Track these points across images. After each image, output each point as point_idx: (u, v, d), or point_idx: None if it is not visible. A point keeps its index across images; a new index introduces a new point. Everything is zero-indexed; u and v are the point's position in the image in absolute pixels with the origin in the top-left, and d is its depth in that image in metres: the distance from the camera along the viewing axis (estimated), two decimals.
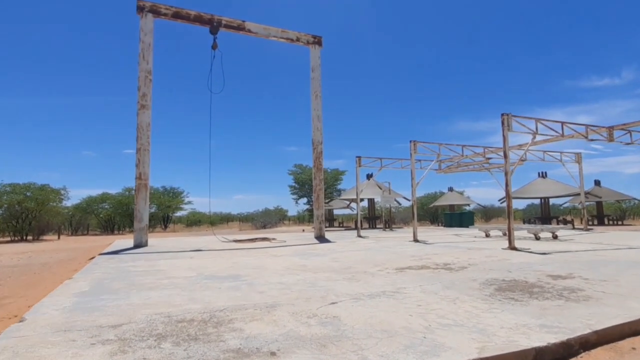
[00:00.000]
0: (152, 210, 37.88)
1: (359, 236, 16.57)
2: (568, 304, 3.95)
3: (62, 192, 25.39)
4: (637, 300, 4.00)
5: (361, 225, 20.04)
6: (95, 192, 34.72)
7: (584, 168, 18.68)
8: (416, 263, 7.31)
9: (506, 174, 9.75)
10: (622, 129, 11.71)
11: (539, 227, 13.69)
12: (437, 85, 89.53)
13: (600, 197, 26.43)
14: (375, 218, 30.34)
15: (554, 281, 5.20)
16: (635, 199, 28.81)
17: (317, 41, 15.94)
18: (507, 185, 9.69)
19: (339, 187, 36.60)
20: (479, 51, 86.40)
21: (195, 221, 48.68)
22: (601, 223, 26.95)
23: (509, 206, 9.56)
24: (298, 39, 15.56)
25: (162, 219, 40.54)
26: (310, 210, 17.17)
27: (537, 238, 12.44)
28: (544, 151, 17.23)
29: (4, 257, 12.19)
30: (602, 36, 74.53)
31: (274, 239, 15.31)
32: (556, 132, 11.00)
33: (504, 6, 78.03)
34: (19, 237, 23.34)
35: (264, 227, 37.27)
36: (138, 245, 11.96)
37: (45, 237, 25.13)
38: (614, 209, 36.76)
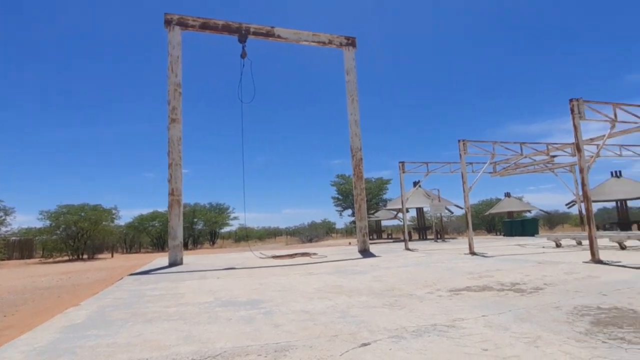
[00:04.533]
0: (199, 226, 38.53)
1: (407, 249, 15.15)
2: None
3: (114, 211, 26.28)
4: None
5: (410, 237, 18.56)
6: (148, 210, 35.87)
7: None
8: (475, 283, 5.99)
9: (581, 171, 8.11)
10: None
11: (624, 234, 11.54)
12: (483, 88, 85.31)
13: None
14: (425, 228, 28.45)
15: None
16: None
17: (351, 42, 15.04)
18: (583, 184, 8.05)
19: (384, 197, 34.96)
20: (530, 47, 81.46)
21: (243, 236, 49.06)
22: None
23: (588, 210, 7.89)
24: (330, 42, 14.76)
25: (210, 235, 41.12)
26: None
27: (623, 247, 10.42)
28: (621, 145, 14.90)
29: (48, 277, 12.28)
30: None
31: (314, 254, 14.35)
32: None
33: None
34: (76, 256, 24.30)
35: (310, 240, 36.47)
36: (173, 263, 11.51)
37: (100, 256, 26.05)
38: None
